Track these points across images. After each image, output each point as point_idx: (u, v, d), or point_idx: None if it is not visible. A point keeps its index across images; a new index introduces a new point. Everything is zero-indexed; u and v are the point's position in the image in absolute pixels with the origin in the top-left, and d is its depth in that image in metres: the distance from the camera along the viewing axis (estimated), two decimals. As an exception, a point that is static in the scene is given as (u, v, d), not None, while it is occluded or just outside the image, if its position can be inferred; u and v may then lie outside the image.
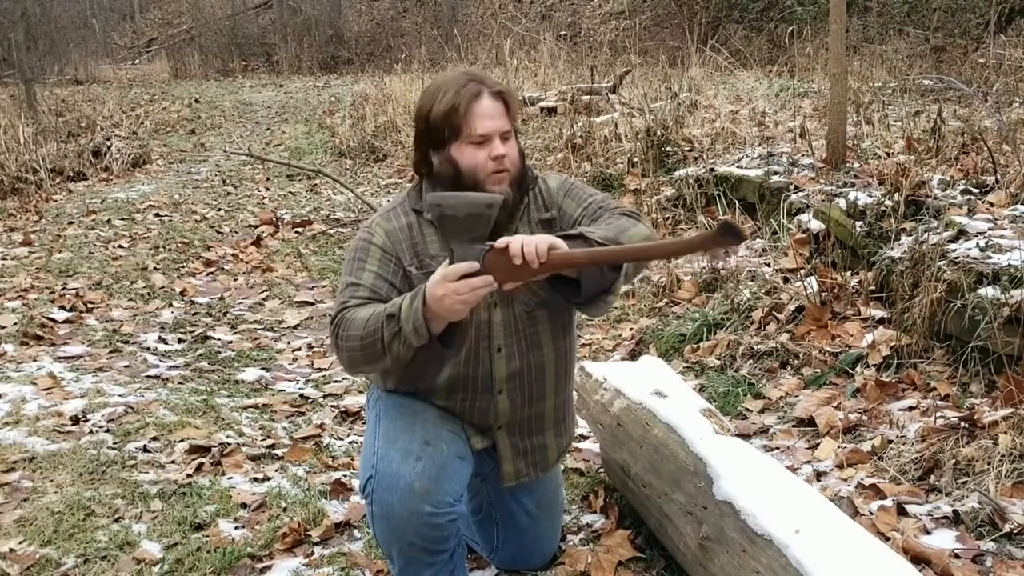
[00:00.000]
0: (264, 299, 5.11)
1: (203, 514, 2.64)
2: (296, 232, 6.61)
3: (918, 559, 2.03)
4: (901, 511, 2.27)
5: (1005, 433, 2.38)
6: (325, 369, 3.98)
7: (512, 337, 1.99)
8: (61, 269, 5.52)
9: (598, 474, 2.79)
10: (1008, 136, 4.09)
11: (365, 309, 1.85)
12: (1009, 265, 2.81)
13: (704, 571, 1.94)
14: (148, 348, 4.27)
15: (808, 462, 2.67)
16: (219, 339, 4.43)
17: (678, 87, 6.90)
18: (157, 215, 7.14)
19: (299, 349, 4.31)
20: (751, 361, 3.40)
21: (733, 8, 13.21)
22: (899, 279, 3.16)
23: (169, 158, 10.25)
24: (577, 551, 2.37)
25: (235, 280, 5.49)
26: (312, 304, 4.99)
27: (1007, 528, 2.13)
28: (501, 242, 1.67)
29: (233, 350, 4.28)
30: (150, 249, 6.07)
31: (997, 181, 3.67)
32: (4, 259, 5.79)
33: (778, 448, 2.79)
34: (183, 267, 5.72)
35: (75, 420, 3.30)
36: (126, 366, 4.00)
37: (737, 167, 5.02)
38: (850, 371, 3.09)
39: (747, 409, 3.11)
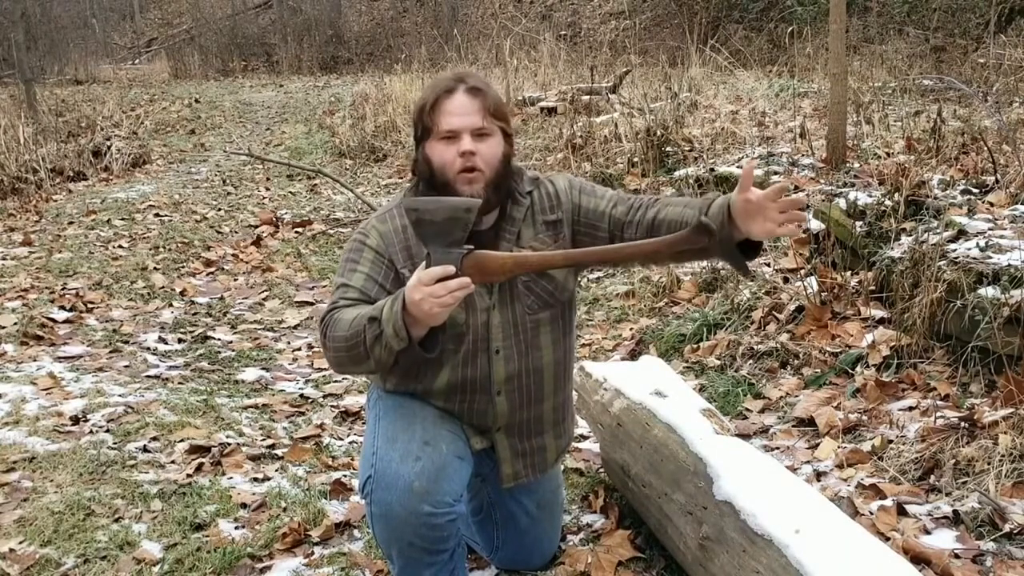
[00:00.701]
0: (264, 299, 5.11)
1: (203, 514, 2.64)
2: (296, 232, 6.61)
3: (918, 559, 2.03)
4: (901, 511, 2.27)
5: (1005, 433, 2.37)
6: (325, 369, 3.98)
7: (511, 339, 1.99)
8: (61, 269, 5.52)
9: (598, 474, 2.79)
10: (1008, 136, 4.09)
11: (352, 310, 1.85)
12: (1009, 265, 2.80)
13: (704, 571, 1.94)
14: (148, 348, 4.27)
15: (808, 462, 2.67)
16: (219, 339, 4.43)
17: (678, 87, 6.90)
18: (157, 215, 7.14)
19: (299, 349, 4.31)
20: (751, 361, 3.40)
21: (733, 8, 13.22)
22: (899, 279, 3.16)
23: (169, 158, 10.25)
24: (577, 551, 2.37)
25: (235, 280, 5.49)
26: (312, 304, 4.99)
27: (1007, 528, 2.13)
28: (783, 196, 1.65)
29: (233, 350, 4.28)
30: (150, 249, 6.07)
31: (997, 181, 3.67)
32: (4, 259, 5.79)
33: (778, 448, 2.79)
34: (183, 267, 5.72)
35: (75, 420, 3.30)
36: (126, 366, 4.00)
37: (737, 167, 5.02)
38: (850, 371, 3.09)
39: (747, 409, 3.11)
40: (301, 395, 3.69)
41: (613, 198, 2.02)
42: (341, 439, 3.23)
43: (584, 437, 3.09)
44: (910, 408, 2.77)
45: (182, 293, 5.15)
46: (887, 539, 2.13)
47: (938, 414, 2.60)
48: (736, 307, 3.75)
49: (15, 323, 4.41)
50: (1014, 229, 3.12)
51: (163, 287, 5.23)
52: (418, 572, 1.95)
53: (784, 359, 3.32)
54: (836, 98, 4.54)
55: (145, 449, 3.08)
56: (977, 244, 3.02)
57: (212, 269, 5.69)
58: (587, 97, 8.10)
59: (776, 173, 4.70)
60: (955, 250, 3.03)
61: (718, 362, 3.50)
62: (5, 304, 4.74)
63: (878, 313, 3.30)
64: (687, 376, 3.44)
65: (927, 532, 2.19)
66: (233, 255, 6.02)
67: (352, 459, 3.01)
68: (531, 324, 2.01)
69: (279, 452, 3.10)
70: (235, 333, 4.55)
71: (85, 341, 4.32)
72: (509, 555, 2.31)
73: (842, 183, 4.18)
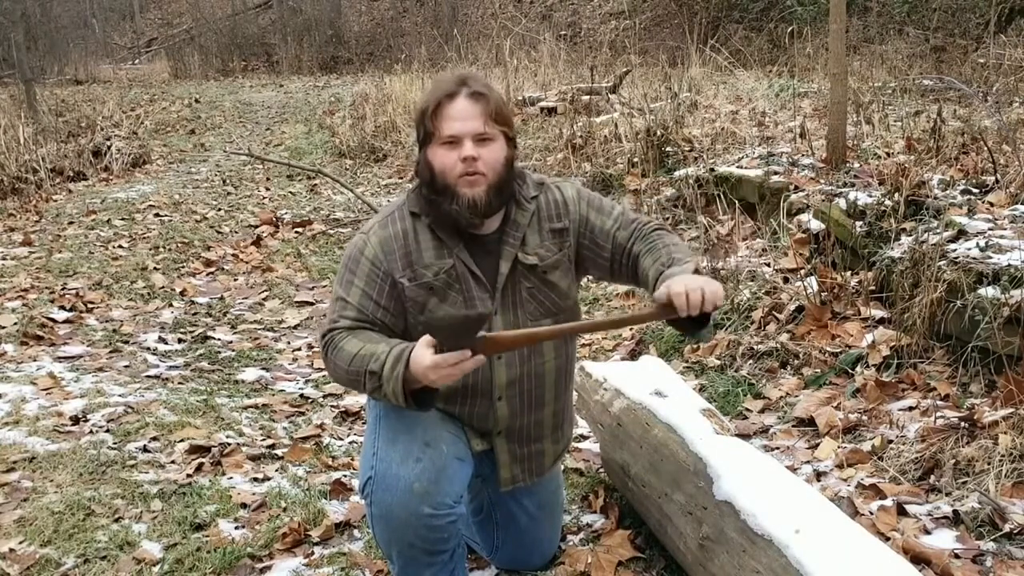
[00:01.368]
0: (264, 299, 5.11)
1: (203, 514, 2.64)
2: (296, 232, 6.61)
3: (918, 559, 2.03)
4: (901, 511, 2.27)
5: (1005, 433, 2.38)
6: (325, 369, 3.98)
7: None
8: (61, 269, 5.52)
9: (598, 474, 2.79)
10: (1008, 136, 4.09)
11: (353, 341, 1.87)
12: (1009, 265, 2.80)
13: (704, 571, 1.94)
14: (148, 348, 4.27)
15: (808, 462, 2.67)
16: (219, 339, 4.43)
17: (678, 87, 6.90)
18: (157, 215, 7.14)
19: (299, 349, 4.31)
20: (751, 361, 3.40)
21: (733, 8, 13.21)
22: (899, 279, 3.16)
23: (169, 158, 10.25)
24: (577, 551, 2.37)
25: (235, 280, 5.49)
26: (312, 304, 4.99)
27: (1007, 528, 2.13)
28: (681, 309, 1.66)
29: (233, 350, 4.28)
30: (150, 249, 6.07)
31: (997, 181, 3.67)
32: (4, 259, 5.79)
33: (778, 448, 2.79)
34: (183, 267, 5.72)
35: (75, 420, 3.30)
36: (126, 366, 4.00)
37: (737, 167, 5.02)
38: (850, 371, 3.09)
39: (747, 409, 3.11)
40: (301, 395, 3.69)
41: (619, 219, 2.01)
42: (341, 439, 3.23)
43: (584, 437, 3.09)
44: (910, 408, 2.77)
45: (182, 293, 5.15)
46: (887, 539, 2.13)
47: (938, 414, 2.60)
48: (736, 307, 3.75)
49: (15, 323, 4.41)
50: (1014, 229, 3.12)
51: (163, 287, 5.23)
52: (418, 572, 1.95)
53: (784, 359, 3.32)
54: (836, 98, 4.54)
55: (145, 449, 3.08)
56: (977, 244, 3.02)
57: (212, 269, 5.69)
58: (587, 97, 8.10)
59: (776, 173, 4.70)
60: (955, 250, 3.03)
61: (718, 362, 3.50)
62: (5, 304, 4.74)
63: (878, 313, 3.30)
64: (687, 376, 3.44)
65: (927, 532, 2.19)
66: (233, 255, 6.02)
67: (352, 459, 3.01)
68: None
69: (279, 452, 3.10)
70: (235, 333, 4.55)
71: (85, 341, 4.32)
72: (509, 555, 2.31)
73: (842, 183, 4.18)
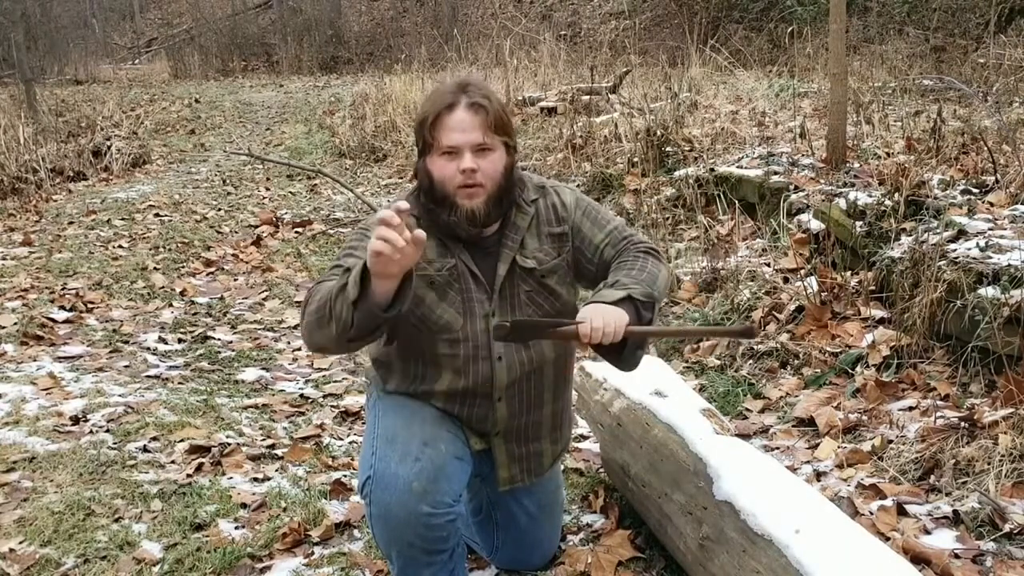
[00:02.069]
0: (264, 299, 5.11)
1: (203, 514, 2.64)
2: (296, 232, 6.61)
3: (918, 559, 2.03)
4: (901, 511, 2.27)
5: (1005, 433, 2.38)
6: (325, 369, 3.98)
7: (512, 347, 1.99)
8: (61, 269, 5.52)
9: (598, 474, 2.79)
10: (1008, 136, 4.09)
11: (330, 282, 1.79)
12: (1009, 265, 2.81)
13: (704, 571, 1.94)
14: (148, 348, 4.27)
15: (808, 462, 2.67)
16: (219, 339, 4.43)
17: (678, 87, 6.90)
18: (157, 215, 7.14)
19: (299, 349, 4.30)
20: (751, 361, 3.40)
21: (733, 8, 13.21)
22: (899, 279, 3.16)
23: (169, 158, 10.25)
24: (577, 551, 2.37)
25: (235, 280, 5.49)
26: (312, 304, 4.98)
27: (1007, 528, 2.13)
28: (584, 336, 1.73)
29: (233, 350, 4.28)
30: (150, 249, 6.07)
31: (997, 181, 3.67)
32: (4, 259, 5.79)
33: (778, 448, 2.79)
34: (183, 267, 5.72)
35: (75, 420, 3.30)
36: (126, 366, 4.00)
37: (737, 167, 5.02)
38: (850, 371, 3.09)
39: (747, 409, 3.11)
40: (301, 395, 3.69)
41: (610, 234, 2.01)
42: (341, 439, 3.23)
43: (584, 437, 3.09)
44: (910, 408, 2.77)
45: (182, 293, 5.15)
46: (887, 539, 2.13)
47: (938, 414, 2.60)
48: (736, 307, 3.75)
49: (15, 323, 4.41)
50: (1014, 229, 3.12)
51: (163, 287, 5.23)
52: (418, 572, 1.95)
53: (784, 359, 3.32)
54: (836, 98, 4.54)
55: (145, 449, 3.08)
56: (977, 244, 3.02)
57: (212, 269, 5.69)
58: (587, 97, 8.10)
59: (776, 173, 4.70)
60: (955, 250, 3.03)
61: (718, 362, 3.50)
62: (5, 304, 4.74)
63: (878, 313, 3.30)
64: (687, 376, 3.44)
65: (927, 532, 2.19)
66: (233, 255, 6.02)
67: (352, 459, 3.01)
68: None
69: (279, 452, 3.10)
70: (235, 333, 4.55)
71: (85, 341, 4.32)
72: (509, 555, 2.31)
73: (842, 183, 4.18)
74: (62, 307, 4.73)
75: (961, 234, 3.15)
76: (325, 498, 2.75)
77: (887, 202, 3.55)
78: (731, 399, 3.21)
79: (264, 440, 3.21)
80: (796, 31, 8.41)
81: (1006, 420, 2.42)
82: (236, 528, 2.59)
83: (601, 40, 12.24)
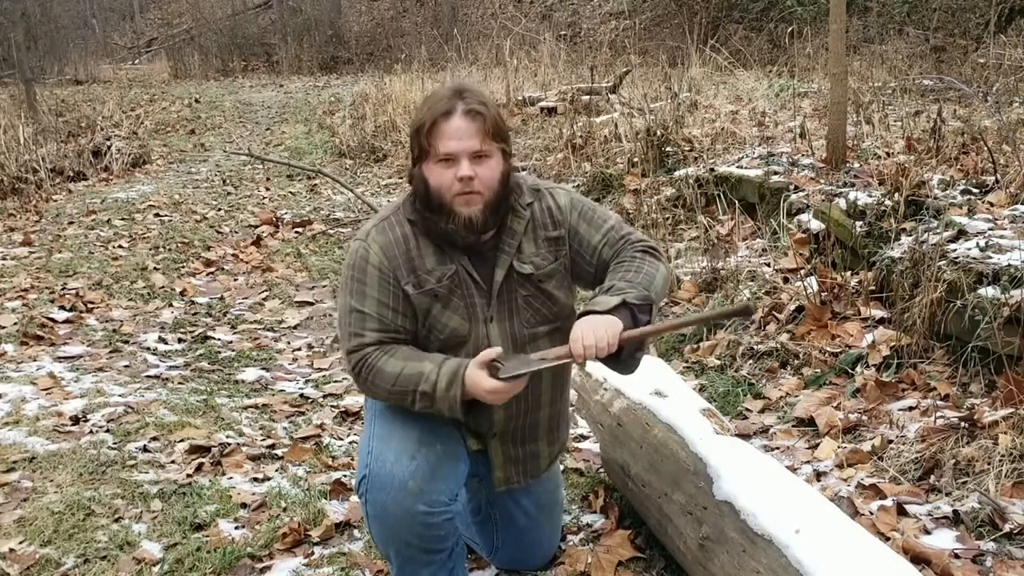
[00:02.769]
0: (264, 299, 5.11)
1: (203, 514, 2.64)
2: (296, 232, 6.61)
3: (918, 559, 2.03)
4: (901, 511, 2.27)
5: (1005, 433, 2.38)
6: (325, 369, 3.98)
7: (510, 351, 1.98)
8: (61, 269, 5.52)
9: (598, 474, 2.79)
10: (1008, 136, 4.08)
11: (391, 361, 1.88)
12: (1009, 265, 2.80)
13: (704, 571, 1.94)
14: (148, 348, 4.27)
15: (808, 462, 2.67)
16: (219, 339, 4.43)
17: (678, 87, 6.90)
18: (157, 215, 7.14)
19: (299, 349, 4.30)
20: (751, 361, 3.40)
21: (733, 8, 13.21)
22: (899, 279, 3.16)
23: (169, 158, 10.25)
24: (577, 551, 2.37)
25: (235, 280, 5.49)
26: (312, 304, 4.99)
27: (1007, 528, 2.13)
28: (578, 355, 1.78)
29: (233, 350, 4.28)
30: (150, 249, 6.07)
31: (997, 181, 3.67)
32: (4, 259, 5.79)
33: (778, 448, 2.79)
34: (183, 267, 5.72)
35: (75, 420, 3.30)
36: (126, 366, 4.00)
37: (737, 167, 5.02)
38: (850, 371, 3.09)
39: (747, 409, 3.11)
40: (301, 395, 3.69)
41: (607, 234, 2.00)
42: (341, 439, 3.23)
43: (584, 437, 3.09)
44: (910, 408, 2.77)
45: (182, 293, 5.15)
46: (887, 539, 2.13)
47: (938, 414, 2.60)
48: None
49: (15, 323, 4.41)
50: (1014, 229, 3.12)
51: (163, 287, 5.23)
52: (416, 572, 1.96)
53: (784, 359, 3.32)
54: (836, 98, 4.54)
55: (145, 449, 3.08)
56: (977, 244, 3.02)
57: (212, 269, 5.69)
58: (587, 97, 8.10)
59: (776, 173, 4.70)
60: (955, 250, 3.03)
61: (718, 362, 3.50)
62: (5, 304, 4.74)
63: (878, 313, 3.30)
64: (687, 376, 3.44)
65: (927, 532, 2.19)
66: (233, 255, 6.02)
67: (352, 459, 3.01)
68: (529, 337, 2.00)
69: (279, 452, 3.10)
70: (235, 333, 4.55)
71: (85, 341, 4.31)
72: (509, 555, 2.31)
73: (842, 183, 4.18)
74: (62, 307, 4.73)
75: (961, 234, 3.15)
76: (325, 498, 2.75)
77: (887, 202, 3.55)
78: (731, 399, 3.21)
79: (264, 440, 3.21)
80: (796, 31, 8.41)
81: (1006, 420, 2.42)
82: (236, 528, 2.59)
83: (601, 40, 12.24)
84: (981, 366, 2.74)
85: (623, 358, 1.84)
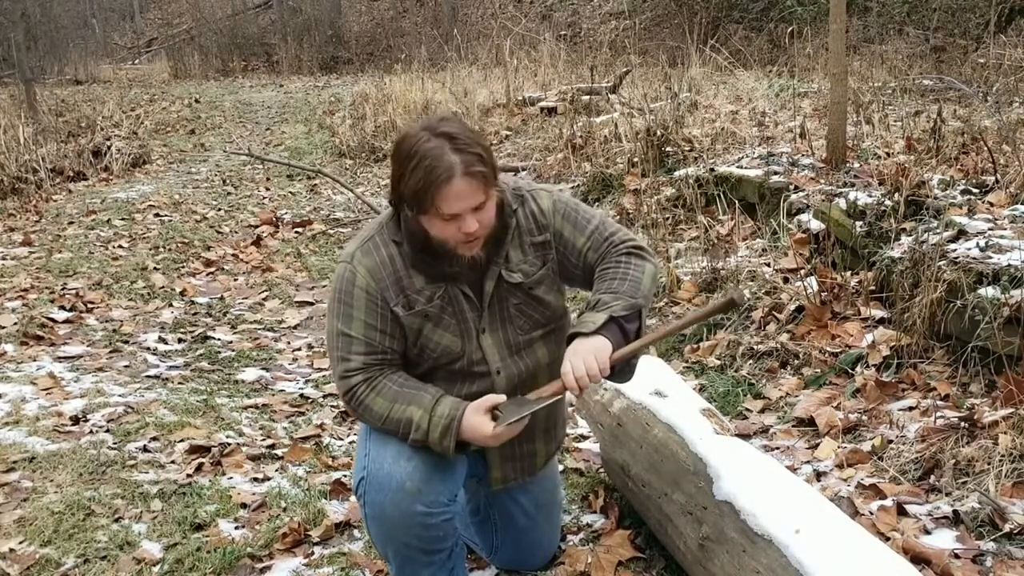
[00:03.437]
0: (264, 299, 5.11)
1: (203, 514, 2.64)
2: (296, 232, 6.61)
3: (918, 559, 2.03)
4: (901, 511, 2.27)
5: (1005, 433, 2.38)
6: (325, 369, 3.98)
7: (507, 359, 1.99)
8: (61, 269, 5.52)
9: (598, 474, 2.79)
10: (1008, 136, 4.08)
11: (379, 400, 1.87)
12: (1009, 265, 2.80)
13: (704, 571, 1.94)
14: (148, 348, 4.27)
15: (808, 462, 2.67)
16: (219, 339, 4.43)
17: (678, 87, 6.90)
18: (157, 215, 7.14)
19: (299, 349, 4.31)
20: (751, 361, 3.40)
21: (733, 8, 13.20)
22: (899, 279, 3.16)
23: (169, 158, 10.25)
24: (577, 551, 2.37)
25: (235, 280, 5.49)
26: (312, 304, 4.99)
27: (1007, 528, 2.13)
28: (571, 388, 1.80)
29: (233, 350, 4.28)
30: (150, 249, 6.07)
31: (997, 181, 3.67)
32: (4, 259, 5.79)
33: (778, 448, 2.79)
34: (183, 267, 5.72)
35: (75, 420, 3.30)
36: (126, 366, 4.00)
37: (737, 167, 5.02)
38: (850, 371, 3.09)
39: (747, 409, 3.11)
40: (301, 395, 3.69)
41: (591, 236, 1.99)
42: (341, 439, 3.23)
43: (584, 437, 3.09)
44: (910, 408, 2.77)
45: (182, 293, 5.15)
46: (887, 539, 2.13)
47: (938, 414, 2.60)
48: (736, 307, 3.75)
49: (15, 323, 4.41)
50: (1014, 229, 3.12)
51: (163, 287, 5.23)
52: (416, 572, 1.96)
53: (784, 359, 3.32)
54: (836, 98, 4.54)
55: (145, 449, 3.08)
56: (977, 244, 3.02)
57: (212, 269, 5.69)
58: (587, 97, 8.10)
59: (776, 173, 4.70)
60: (955, 250, 3.03)
61: (718, 362, 3.50)
62: (5, 304, 4.74)
63: (878, 313, 3.30)
64: (687, 376, 3.44)
65: (927, 532, 2.19)
66: (233, 255, 6.01)
67: (352, 459, 3.01)
68: (525, 343, 2.01)
69: (279, 452, 3.10)
70: (235, 333, 4.55)
71: (85, 341, 4.31)
72: (508, 555, 2.31)
73: (842, 183, 4.18)
74: (62, 307, 4.73)
75: (961, 234, 3.15)
76: (325, 498, 2.75)
77: (887, 202, 3.55)
78: (731, 399, 3.21)
79: (264, 440, 3.21)
80: (796, 31, 8.41)
81: (1006, 420, 2.42)
82: (236, 528, 2.59)
83: (601, 40, 12.24)
84: (981, 366, 2.74)
85: (616, 372, 1.86)
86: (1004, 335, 2.65)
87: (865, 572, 1.58)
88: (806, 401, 2.98)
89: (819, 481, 2.54)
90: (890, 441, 2.62)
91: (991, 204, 3.43)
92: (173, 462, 3.00)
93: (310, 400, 3.64)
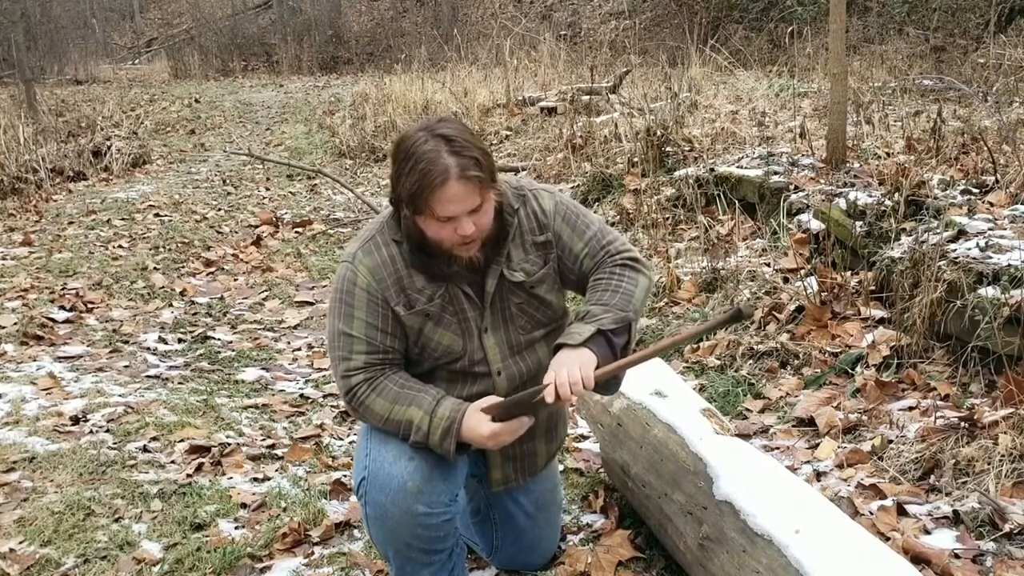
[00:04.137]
0: (264, 299, 5.11)
1: (203, 514, 2.64)
2: (296, 232, 6.61)
3: (918, 559, 2.03)
4: (901, 511, 2.27)
5: (1005, 433, 2.37)
6: (325, 369, 3.98)
7: (509, 359, 1.99)
8: (61, 269, 5.52)
9: (598, 474, 2.79)
10: (1008, 136, 4.08)
11: (380, 401, 1.87)
12: (1009, 265, 2.81)
13: (704, 571, 1.94)
14: (148, 348, 4.27)
15: (808, 462, 2.67)
16: (219, 339, 4.43)
17: (678, 87, 6.90)
18: (157, 215, 7.14)
19: (299, 349, 4.30)
20: (751, 361, 3.40)
21: (733, 8, 13.21)
22: (899, 279, 3.16)
23: (169, 158, 10.25)
24: (577, 551, 2.37)
25: (235, 280, 5.49)
26: (312, 304, 4.99)
27: (1007, 528, 2.13)
28: (550, 395, 1.79)
29: (233, 350, 4.28)
30: (150, 249, 6.07)
31: (997, 181, 3.67)
32: (4, 259, 5.79)
33: (778, 448, 2.79)
34: (183, 267, 5.72)
35: (75, 420, 3.30)
36: (126, 366, 4.00)
37: (737, 167, 5.02)
38: (850, 371, 3.09)
39: (747, 409, 3.11)
40: (301, 395, 3.69)
41: (589, 243, 1.99)
42: (341, 439, 3.23)
43: (584, 437, 3.09)
44: (910, 408, 2.77)
45: (182, 293, 5.15)
46: (887, 539, 2.13)
47: (938, 414, 2.60)
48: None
49: (15, 323, 4.41)
50: (1014, 229, 3.12)
51: (163, 287, 5.23)
52: (416, 572, 1.95)
53: (784, 359, 3.32)
54: (836, 98, 4.54)
55: (145, 449, 3.08)
56: (977, 244, 3.02)
57: (212, 269, 5.69)
58: (587, 97, 8.10)
59: (776, 173, 4.70)
60: (955, 250, 3.03)
61: (718, 362, 3.50)
62: (5, 304, 4.74)
63: (878, 313, 3.30)
64: (687, 376, 3.44)
65: (927, 532, 2.19)
66: (233, 255, 6.01)
67: (352, 459, 3.01)
68: (526, 343, 2.01)
69: (279, 452, 3.10)
70: (235, 333, 4.55)
71: (85, 341, 4.31)
72: (508, 555, 2.31)
73: (842, 183, 4.18)
74: (62, 307, 4.73)
75: (961, 234, 3.15)
76: (325, 498, 2.75)
77: (887, 202, 3.55)
78: (731, 399, 3.21)
79: (264, 440, 3.21)
80: (796, 31, 8.41)
81: (1006, 420, 2.42)
82: (236, 528, 2.59)
83: (601, 40, 12.24)
84: (981, 366, 2.74)
85: (600, 385, 1.86)
86: (1004, 335, 2.65)
87: (865, 572, 1.58)
88: (806, 401, 2.98)
89: (819, 481, 2.54)
90: (890, 441, 2.62)
91: (991, 204, 3.43)
92: (173, 462, 3.00)
93: (310, 400, 3.64)
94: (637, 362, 1.84)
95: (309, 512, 2.63)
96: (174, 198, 7.78)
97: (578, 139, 6.97)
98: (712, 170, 5.10)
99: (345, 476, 2.87)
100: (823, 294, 3.46)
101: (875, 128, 5.17)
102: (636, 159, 5.85)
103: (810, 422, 2.88)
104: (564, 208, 2.01)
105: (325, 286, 5.30)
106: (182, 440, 3.12)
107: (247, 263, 5.83)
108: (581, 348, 1.82)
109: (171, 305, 4.95)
